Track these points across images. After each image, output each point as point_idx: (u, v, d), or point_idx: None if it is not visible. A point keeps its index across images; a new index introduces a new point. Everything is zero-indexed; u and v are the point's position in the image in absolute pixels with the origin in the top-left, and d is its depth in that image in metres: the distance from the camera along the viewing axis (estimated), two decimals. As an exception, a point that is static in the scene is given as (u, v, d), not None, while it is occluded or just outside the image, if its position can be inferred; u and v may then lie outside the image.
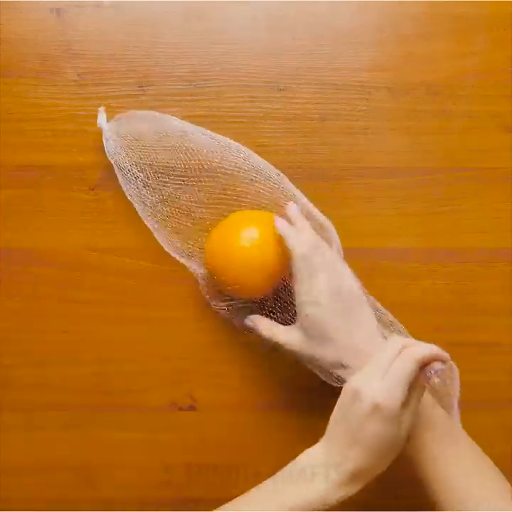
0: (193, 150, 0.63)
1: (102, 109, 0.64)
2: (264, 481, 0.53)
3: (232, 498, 0.67)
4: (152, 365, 0.66)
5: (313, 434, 0.67)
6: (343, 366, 0.55)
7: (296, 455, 0.67)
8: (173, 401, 0.66)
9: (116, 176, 0.65)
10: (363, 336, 0.55)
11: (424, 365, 0.51)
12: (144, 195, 0.64)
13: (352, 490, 0.49)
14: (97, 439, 0.66)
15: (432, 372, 0.51)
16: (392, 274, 0.66)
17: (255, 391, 0.67)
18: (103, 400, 0.66)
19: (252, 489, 0.53)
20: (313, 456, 0.51)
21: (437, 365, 0.51)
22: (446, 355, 0.52)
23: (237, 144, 0.63)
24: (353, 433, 0.49)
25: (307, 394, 0.66)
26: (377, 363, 0.50)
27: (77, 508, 0.66)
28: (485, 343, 0.67)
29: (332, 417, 0.52)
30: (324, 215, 0.65)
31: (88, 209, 0.66)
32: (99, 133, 0.65)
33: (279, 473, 0.52)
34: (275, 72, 0.66)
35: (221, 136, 0.63)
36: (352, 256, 0.65)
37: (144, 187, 0.64)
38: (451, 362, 0.56)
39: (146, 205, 0.64)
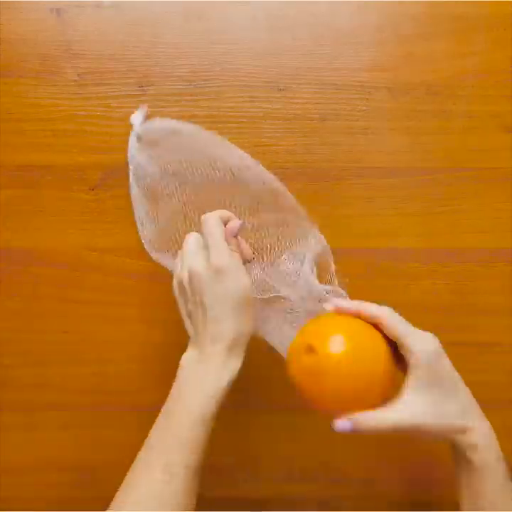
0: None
1: (143, 108, 0.63)
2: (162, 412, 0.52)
3: (231, 497, 0.68)
4: (152, 365, 0.66)
5: (302, 434, 0.68)
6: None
7: (288, 454, 0.68)
8: (172, 401, 0.66)
9: (116, 176, 0.65)
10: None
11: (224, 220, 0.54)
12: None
13: (237, 362, 0.51)
14: (97, 439, 0.66)
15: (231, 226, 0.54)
16: (392, 274, 0.66)
17: (254, 392, 0.67)
18: (103, 399, 0.66)
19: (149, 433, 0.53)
20: (187, 357, 0.53)
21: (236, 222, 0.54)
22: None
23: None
24: (208, 310, 0.50)
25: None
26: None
27: (77, 507, 0.66)
28: (485, 342, 0.67)
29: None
30: (324, 215, 0.65)
31: (88, 209, 0.66)
32: (100, 133, 0.65)
33: (170, 395, 0.52)
34: (275, 72, 0.66)
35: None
36: (352, 256, 0.66)
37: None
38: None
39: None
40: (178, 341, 0.66)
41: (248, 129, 0.66)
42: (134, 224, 0.66)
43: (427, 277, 0.67)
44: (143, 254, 0.66)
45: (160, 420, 0.52)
